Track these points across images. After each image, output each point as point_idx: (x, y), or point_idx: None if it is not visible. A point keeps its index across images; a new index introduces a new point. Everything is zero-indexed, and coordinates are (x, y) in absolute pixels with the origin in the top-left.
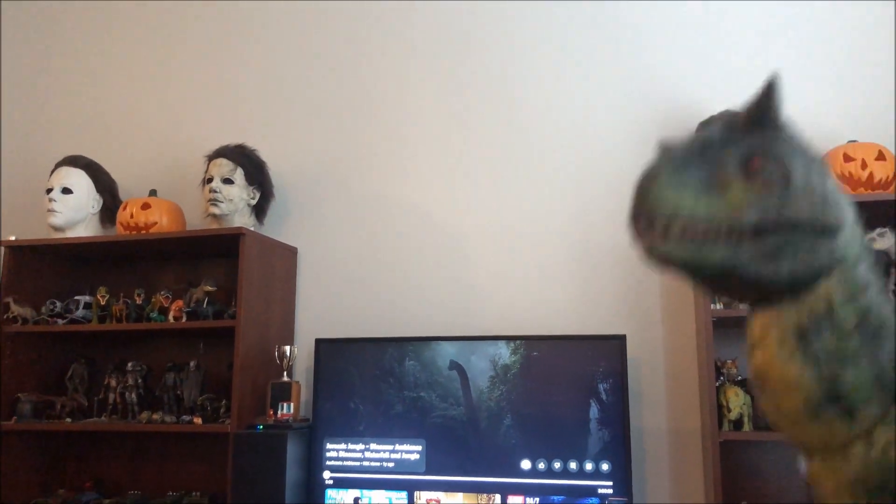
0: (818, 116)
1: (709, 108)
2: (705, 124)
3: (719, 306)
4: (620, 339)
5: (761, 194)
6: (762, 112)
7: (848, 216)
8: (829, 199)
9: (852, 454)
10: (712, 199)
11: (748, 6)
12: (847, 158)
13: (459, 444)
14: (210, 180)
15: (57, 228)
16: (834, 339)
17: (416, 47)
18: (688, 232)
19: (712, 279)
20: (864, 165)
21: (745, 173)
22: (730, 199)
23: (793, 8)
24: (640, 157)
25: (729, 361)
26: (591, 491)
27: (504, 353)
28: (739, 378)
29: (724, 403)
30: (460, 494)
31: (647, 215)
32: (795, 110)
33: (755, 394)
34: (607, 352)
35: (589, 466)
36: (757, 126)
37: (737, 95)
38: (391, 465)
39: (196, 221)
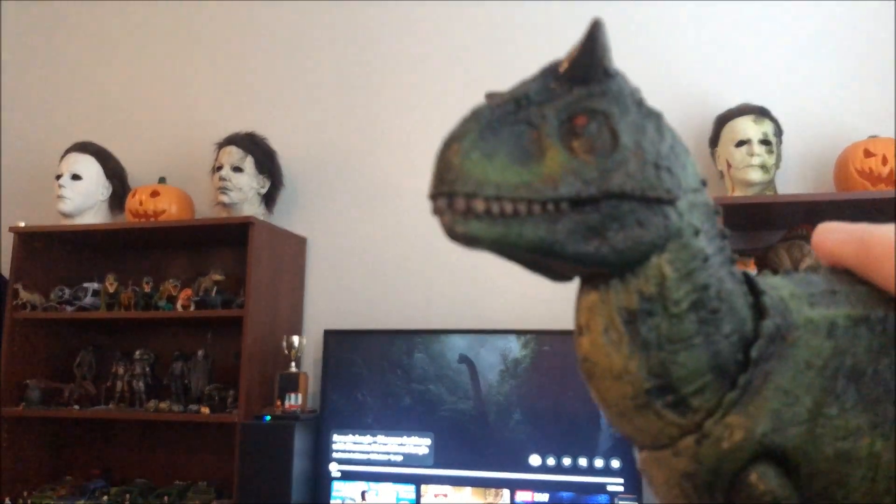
0: (838, 110)
1: (724, 101)
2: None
3: None
4: None
5: (582, 160)
6: (586, 61)
7: (688, 181)
8: (662, 164)
9: (682, 448)
10: (524, 169)
11: None
12: (868, 154)
13: (468, 438)
14: (220, 168)
15: (66, 215)
16: (666, 323)
17: (430, 36)
18: (494, 208)
19: (528, 259)
20: (884, 161)
21: (564, 135)
22: (545, 168)
23: None
24: None
25: None
26: (601, 488)
27: (514, 347)
28: None
29: None
30: (468, 489)
31: (446, 190)
32: (815, 103)
33: (585, 384)
34: None
35: (599, 463)
36: (581, 78)
37: (754, 88)
38: (399, 458)
39: (205, 210)
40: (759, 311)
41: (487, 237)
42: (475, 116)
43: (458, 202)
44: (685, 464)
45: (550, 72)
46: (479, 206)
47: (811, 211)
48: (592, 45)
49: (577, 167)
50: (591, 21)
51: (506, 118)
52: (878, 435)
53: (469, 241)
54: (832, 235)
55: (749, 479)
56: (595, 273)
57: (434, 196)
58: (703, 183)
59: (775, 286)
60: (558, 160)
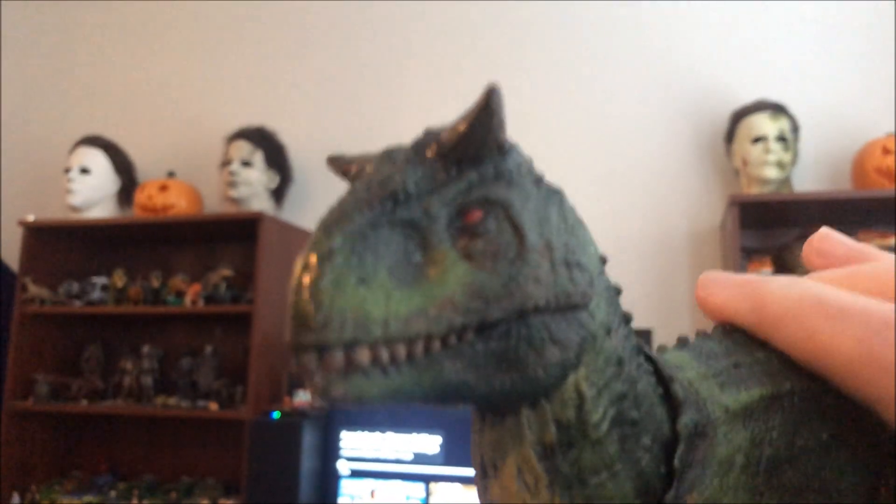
0: (856, 107)
1: (741, 97)
2: (387, 157)
3: None
4: (646, 334)
5: (484, 270)
6: (479, 136)
7: (594, 268)
8: (572, 259)
9: None
10: (414, 292)
11: None
12: (885, 151)
13: None
14: (229, 163)
15: (75, 208)
16: (588, 452)
17: (441, 31)
18: (383, 356)
19: (431, 401)
20: None
21: (456, 237)
22: (440, 286)
23: None
24: (667, 148)
25: None
26: None
27: None
28: None
29: None
30: None
31: (314, 341)
32: (833, 100)
33: None
34: None
35: None
36: (470, 157)
37: (771, 83)
38: (408, 456)
39: (214, 204)
40: (670, 403)
41: (378, 395)
42: (340, 223)
43: (333, 357)
44: None
45: (431, 149)
46: (364, 356)
47: (828, 209)
48: (489, 117)
49: (478, 281)
50: (487, 87)
51: (380, 221)
52: None
53: (354, 402)
54: (720, 290)
55: None
56: (503, 407)
57: (297, 349)
58: (604, 261)
59: (680, 366)
60: (455, 273)
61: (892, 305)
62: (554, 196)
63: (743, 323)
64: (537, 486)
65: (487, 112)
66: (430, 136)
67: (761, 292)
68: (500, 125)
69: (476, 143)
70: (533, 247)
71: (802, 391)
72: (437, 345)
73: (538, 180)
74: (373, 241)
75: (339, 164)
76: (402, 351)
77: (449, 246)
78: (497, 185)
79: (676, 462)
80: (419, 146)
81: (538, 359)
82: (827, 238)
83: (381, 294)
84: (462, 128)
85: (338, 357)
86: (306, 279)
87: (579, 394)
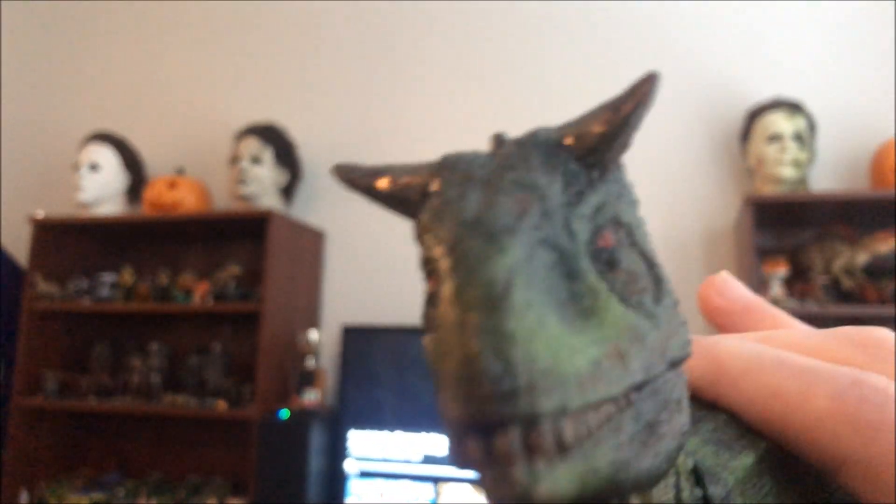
0: (875, 105)
1: (757, 94)
2: (507, 149)
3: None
4: None
5: (633, 310)
6: (630, 133)
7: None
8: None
9: None
10: (583, 337)
11: None
12: None
13: None
14: (238, 160)
15: (84, 205)
16: None
17: (450, 28)
18: (581, 430)
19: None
20: None
21: (595, 265)
22: (605, 329)
23: None
24: (681, 147)
25: None
26: None
27: None
28: None
29: None
30: None
31: (525, 414)
32: (851, 97)
33: None
34: None
35: None
36: (599, 163)
37: (787, 80)
38: (418, 457)
39: (223, 201)
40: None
41: (580, 490)
42: (512, 232)
43: (544, 435)
44: None
45: (559, 148)
46: (570, 431)
47: (845, 209)
48: (644, 111)
49: (638, 326)
50: (648, 73)
51: (534, 238)
52: None
53: None
54: None
55: None
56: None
57: (486, 425)
58: None
59: None
60: (613, 314)
61: (851, 368)
62: (637, 205)
63: (696, 383)
64: None
65: (645, 105)
66: (580, 130)
67: (716, 350)
68: (640, 125)
69: (626, 142)
70: (667, 283)
71: (772, 451)
72: (612, 409)
73: (636, 202)
74: (532, 263)
75: (346, 174)
76: (594, 420)
77: (597, 276)
78: (620, 202)
79: None
80: (552, 141)
81: (670, 428)
82: (729, 281)
83: (556, 337)
84: (619, 118)
85: (548, 434)
86: (481, 319)
87: (678, 470)
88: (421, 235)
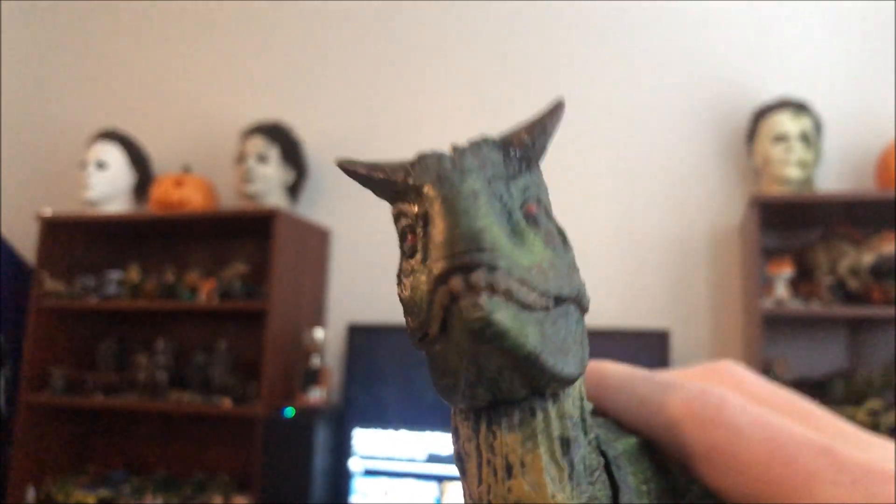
0: (880, 105)
1: (762, 94)
2: (479, 142)
3: (770, 302)
4: (664, 336)
5: (551, 251)
6: (542, 143)
7: None
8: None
9: None
10: (521, 248)
11: None
12: None
13: None
14: (245, 158)
15: (91, 203)
16: (587, 450)
17: (458, 25)
18: (521, 295)
19: (506, 367)
20: None
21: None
22: (534, 253)
23: None
24: (687, 147)
25: (779, 360)
26: None
27: None
28: (789, 378)
29: None
30: None
31: (488, 263)
32: (856, 97)
33: None
34: (649, 347)
35: None
36: (527, 161)
37: (793, 80)
38: (422, 455)
39: (229, 199)
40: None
41: (509, 335)
42: (477, 164)
43: (499, 278)
44: None
45: (504, 144)
46: (515, 285)
47: (851, 209)
48: (553, 128)
49: (555, 259)
50: (557, 100)
51: (493, 183)
52: None
53: (494, 337)
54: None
55: None
56: (513, 399)
57: (462, 267)
58: None
59: None
60: (538, 246)
61: (702, 383)
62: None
63: (589, 394)
64: (561, 479)
65: (555, 122)
66: (512, 135)
67: (602, 369)
68: (551, 139)
69: (537, 149)
70: (570, 242)
71: (646, 444)
72: (542, 302)
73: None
74: (490, 193)
75: (347, 166)
76: (531, 297)
77: (526, 224)
78: (540, 189)
79: (619, 481)
80: (506, 140)
81: (579, 348)
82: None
83: (506, 238)
84: (532, 130)
85: (501, 278)
86: (463, 205)
87: (580, 393)
88: (400, 208)
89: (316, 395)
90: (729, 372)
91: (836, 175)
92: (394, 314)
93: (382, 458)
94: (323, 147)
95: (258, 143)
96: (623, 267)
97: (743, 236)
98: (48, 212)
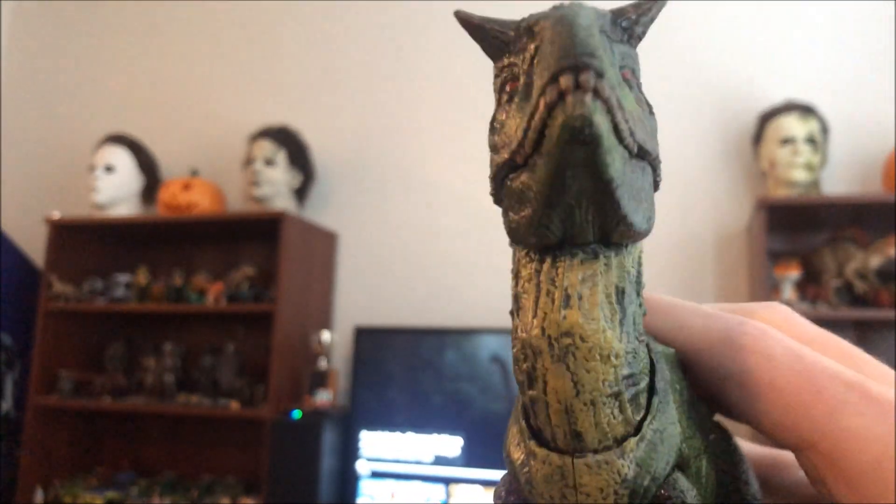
0: (887, 108)
1: (769, 97)
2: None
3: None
4: None
5: (641, 110)
6: (646, 21)
7: None
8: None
9: (627, 450)
10: (625, 97)
11: None
12: None
13: (500, 439)
14: (252, 162)
15: (100, 206)
16: (637, 309)
17: (462, 31)
18: (612, 105)
19: (586, 191)
20: None
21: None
22: (627, 102)
23: None
24: (694, 150)
25: None
26: None
27: None
28: None
29: None
30: None
31: (581, 59)
32: (863, 100)
33: (527, 368)
34: None
35: None
36: (629, 35)
37: (800, 83)
38: (429, 458)
39: (237, 203)
40: None
41: (603, 143)
42: (593, 12)
43: (604, 84)
44: (628, 467)
45: (611, 17)
46: (615, 102)
47: (857, 212)
48: (656, 14)
49: (644, 117)
50: None
51: (602, 34)
52: (705, 456)
53: (591, 138)
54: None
55: (679, 485)
56: (581, 241)
57: (569, 62)
58: None
59: None
60: (631, 102)
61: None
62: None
63: None
64: (614, 322)
65: (658, 12)
66: (620, 7)
67: (651, 295)
68: (655, 18)
69: (642, 25)
70: (654, 117)
71: (680, 361)
72: (629, 140)
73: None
74: (607, 46)
75: (464, 18)
76: (620, 116)
77: (621, 82)
78: (635, 64)
79: (655, 359)
80: (615, 10)
81: (649, 207)
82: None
83: (610, 61)
84: (643, 11)
85: (608, 89)
86: (578, 23)
87: (639, 258)
88: (504, 62)
89: (323, 398)
90: (777, 310)
91: (842, 178)
92: (400, 317)
93: (389, 461)
94: (330, 150)
95: (266, 147)
96: None
97: (750, 239)
98: (57, 215)
